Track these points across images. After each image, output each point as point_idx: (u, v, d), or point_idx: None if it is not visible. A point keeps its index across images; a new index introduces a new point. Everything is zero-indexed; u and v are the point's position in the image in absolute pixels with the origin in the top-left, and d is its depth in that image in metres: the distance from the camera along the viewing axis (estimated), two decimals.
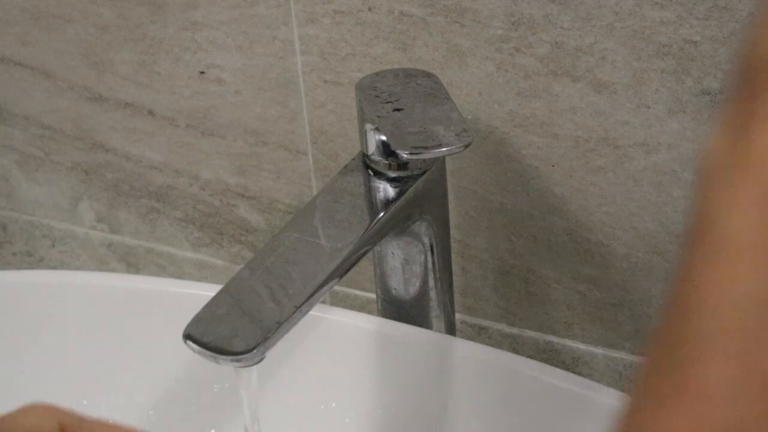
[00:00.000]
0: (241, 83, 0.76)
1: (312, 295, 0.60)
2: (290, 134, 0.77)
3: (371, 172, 0.66)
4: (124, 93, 0.81)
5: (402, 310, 0.70)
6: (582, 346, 0.75)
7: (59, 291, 0.75)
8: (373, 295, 0.75)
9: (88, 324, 0.74)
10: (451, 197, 0.70)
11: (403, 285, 0.69)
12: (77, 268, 0.91)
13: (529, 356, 0.75)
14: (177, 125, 0.80)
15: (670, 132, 0.65)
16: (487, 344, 0.76)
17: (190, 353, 0.58)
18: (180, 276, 0.87)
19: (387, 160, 0.65)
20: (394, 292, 0.69)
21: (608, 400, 0.68)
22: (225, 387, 0.71)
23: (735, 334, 0.30)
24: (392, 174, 0.65)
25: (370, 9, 0.70)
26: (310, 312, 0.61)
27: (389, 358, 0.69)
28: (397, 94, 0.65)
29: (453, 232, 0.71)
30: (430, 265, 0.68)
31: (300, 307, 0.59)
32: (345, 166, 0.68)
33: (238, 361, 0.58)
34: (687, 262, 0.32)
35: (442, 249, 0.68)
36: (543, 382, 0.70)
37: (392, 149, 0.63)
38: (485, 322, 0.77)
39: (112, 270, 0.90)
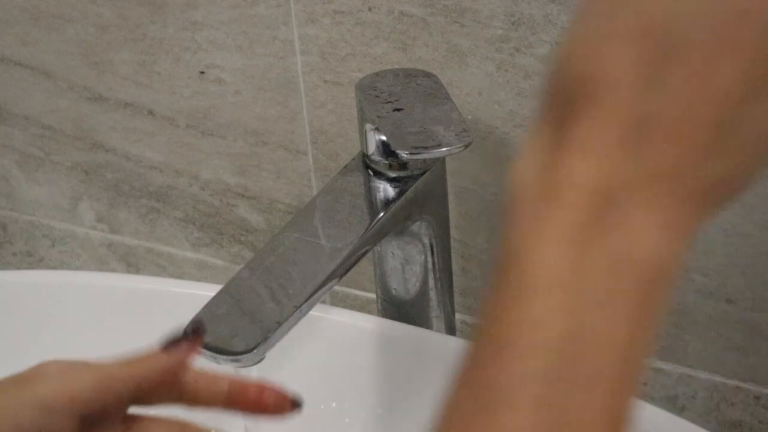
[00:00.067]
0: (241, 83, 0.76)
1: (312, 295, 0.60)
2: (290, 134, 0.77)
3: (371, 172, 0.66)
4: (124, 93, 0.81)
5: (402, 310, 0.70)
6: None
7: (59, 291, 0.75)
8: (373, 295, 0.75)
9: (88, 324, 0.74)
10: (451, 197, 0.70)
11: (403, 285, 0.69)
12: (77, 268, 0.91)
13: None
14: (177, 125, 0.80)
15: None
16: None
17: None
18: (180, 276, 0.87)
19: (387, 160, 0.65)
20: (394, 292, 0.69)
21: None
22: None
23: (541, 379, 0.29)
24: (392, 174, 0.65)
25: (370, 9, 0.70)
26: (310, 312, 0.61)
27: (389, 358, 0.69)
28: (397, 94, 0.65)
29: (453, 232, 0.71)
30: (430, 265, 0.68)
31: (300, 307, 0.59)
32: (345, 166, 0.68)
33: (238, 361, 0.58)
34: (495, 300, 0.30)
35: (442, 249, 0.68)
36: None
37: (392, 149, 0.63)
38: None
39: (112, 270, 0.90)
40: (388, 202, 0.65)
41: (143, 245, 0.87)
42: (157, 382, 0.46)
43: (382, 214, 0.64)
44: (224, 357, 0.57)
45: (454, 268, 0.72)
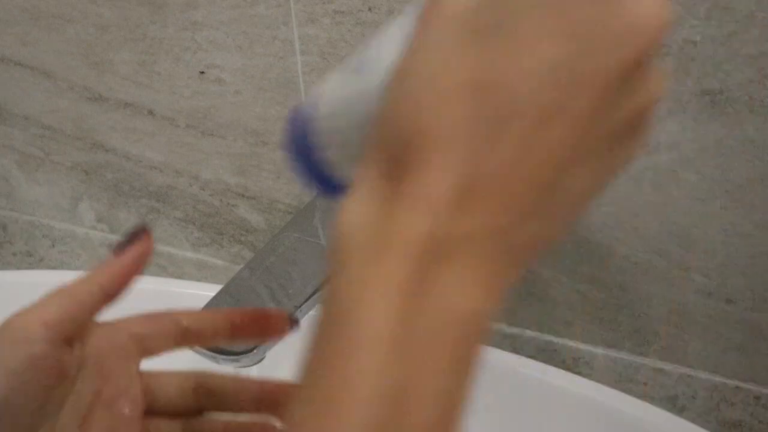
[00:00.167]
0: (241, 83, 0.76)
1: (312, 295, 0.60)
2: None
3: None
4: (124, 93, 0.81)
5: None
6: (582, 346, 0.75)
7: None
8: None
9: None
10: None
11: None
12: (77, 268, 0.91)
13: (529, 356, 0.75)
14: (177, 125, 0.80)
15: (670, 132, 0.65)
16: (487, 344, 0.76)
17: (190, 353, 0.58)
18: (180, 276, 0.87)
19: None
20: None
21: (608, 400, 0.68)
22: None
23: None
24: None
25: (370, 9, 0.70)
26: (310, 312, 0.61)
27: None
28: None
29: None
30: None
31: (300, 307, 0.59)
32: None
33: (238, 361, 0.58)
34: (321, 352, 0.30)
35: None
36: (543, 382, 0.70)
37: None
38: None
39: None
40: None
41: None
42: (119, 283, 0.46)
43: None
44: (224, 357, 0.57)
45: None
